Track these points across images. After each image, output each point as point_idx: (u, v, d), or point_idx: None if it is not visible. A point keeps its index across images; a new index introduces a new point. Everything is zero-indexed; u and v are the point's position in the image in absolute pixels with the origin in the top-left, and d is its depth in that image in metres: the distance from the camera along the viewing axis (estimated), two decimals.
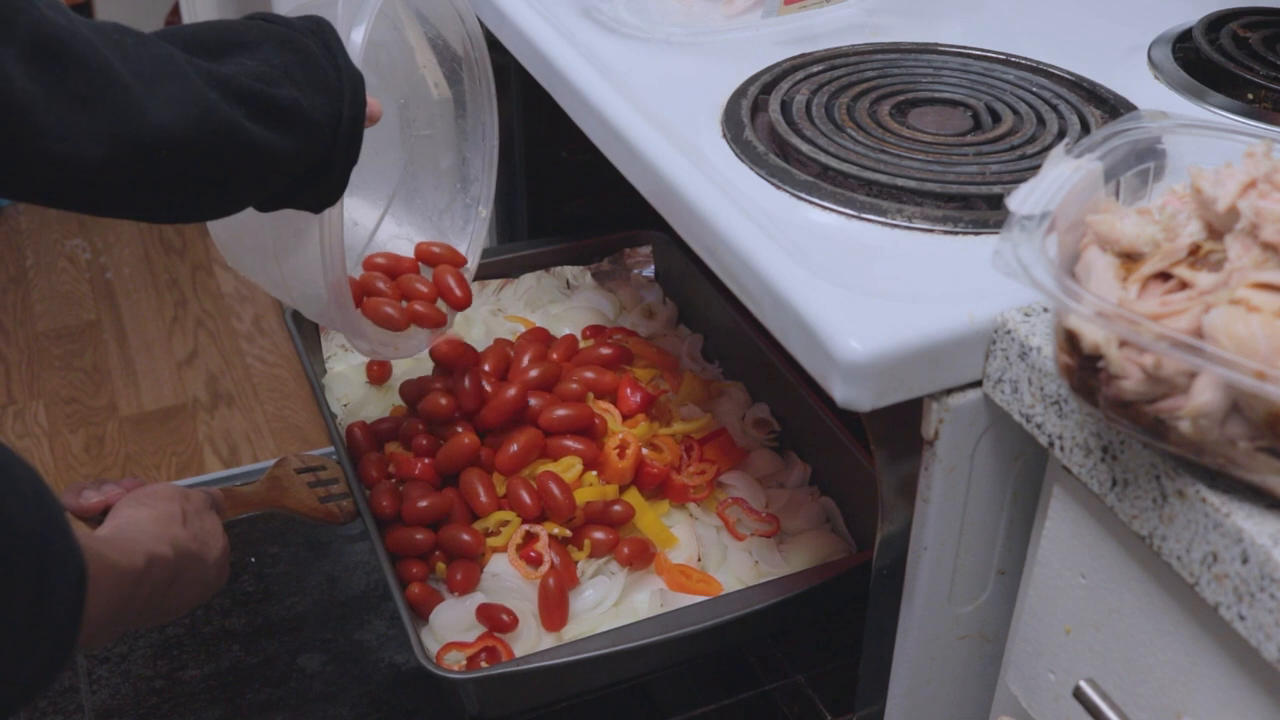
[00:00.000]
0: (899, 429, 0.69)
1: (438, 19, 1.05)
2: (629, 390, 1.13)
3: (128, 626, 0.80)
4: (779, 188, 0.77)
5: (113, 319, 2.35)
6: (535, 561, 0.99)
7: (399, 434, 1.11)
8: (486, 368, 1.15)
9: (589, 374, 1.14)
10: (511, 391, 1.08)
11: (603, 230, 1.37)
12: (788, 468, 1.14)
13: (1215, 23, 0.97)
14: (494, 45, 1.06)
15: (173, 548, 0.85)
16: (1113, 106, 0.87)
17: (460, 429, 1.08)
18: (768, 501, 1.09)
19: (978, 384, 0.66)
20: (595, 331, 1.25)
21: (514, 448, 1.06)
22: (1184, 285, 0.52)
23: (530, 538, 1.01)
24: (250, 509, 1.07)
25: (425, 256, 1.11)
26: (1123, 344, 0.50)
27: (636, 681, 0.99)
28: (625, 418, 1.12)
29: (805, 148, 0.80)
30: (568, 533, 1.02)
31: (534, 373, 1.12)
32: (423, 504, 1.03)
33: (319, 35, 0.83)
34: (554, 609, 0.97)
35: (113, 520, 0.87)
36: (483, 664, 0.94)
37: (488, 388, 1.11)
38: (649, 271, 1.39)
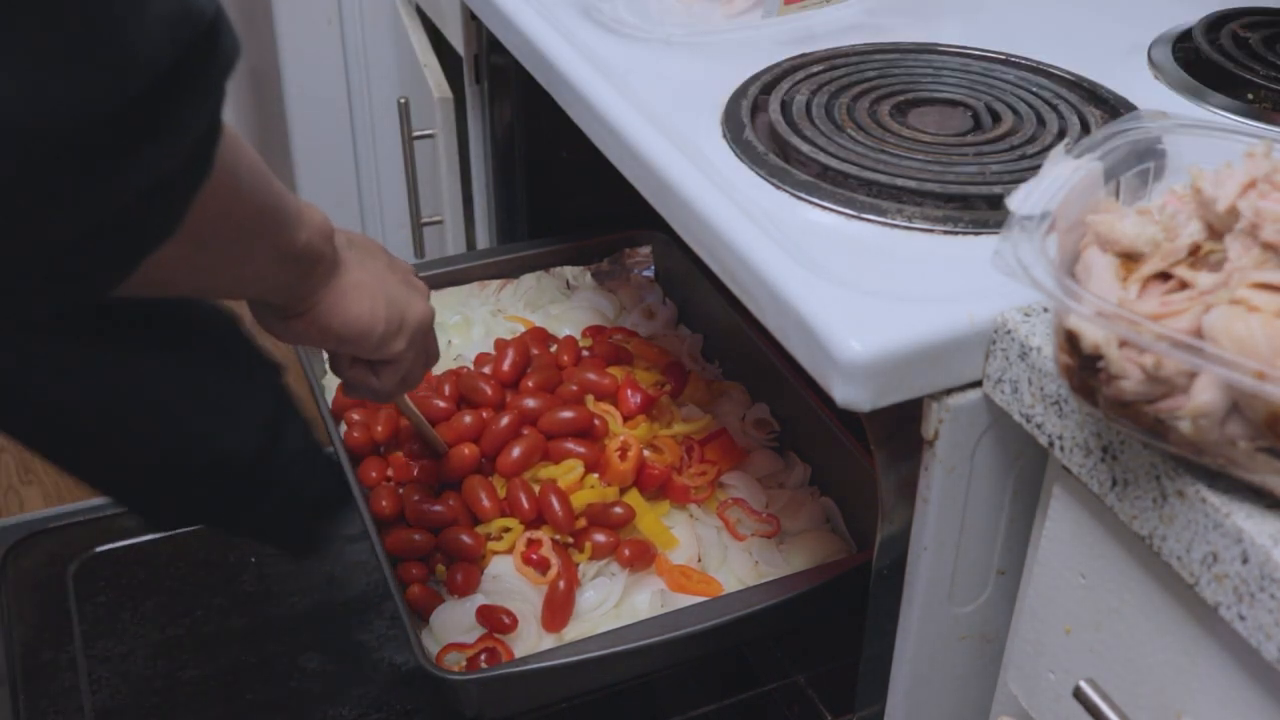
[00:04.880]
0: (899, 429, 0.69)
1: None
2: (629, 391, 1.13)
3: (275, 272, 0.66)
4: (779, 188, 0.77)
5: None
6: (539, 565, 0.99)
7: (398, 436, 1.11)
8: (487, 370, 1.15)
9: (590, 375, 1.14)
10: (505, 420, 1.07)
11: (603, 230, 1.36)
12: (788, 468, 1.14)
13: (1215, 23, 0.97)
14: (494, 45, 1.06)
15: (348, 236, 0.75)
16: (1113, 106, 0.86)
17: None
18: (768, 502, 1.09)
19: (978, 384, 0.66)
20: (595, 332, 1.25)
21: (515, 452, 1.06)
22: (1184, 285, 0.52)
23: (532, 543, 1.01)
24: None
25: None
26: (1123, 344, 0.50)
27: (637, 682, 0.99)
28: (626, 419, 1.12)
29: (805, 148, 0.80)
30: (569, 538, 1.02)
31: (530, 403, 1.11)
32: (428, 508, 1.03)
33: None
34: (558, 611, 0.97)
35: None
36: (483, 665, 0.94)
37: (485, 415, 1.10)
38: (649, 271, 1.39)
